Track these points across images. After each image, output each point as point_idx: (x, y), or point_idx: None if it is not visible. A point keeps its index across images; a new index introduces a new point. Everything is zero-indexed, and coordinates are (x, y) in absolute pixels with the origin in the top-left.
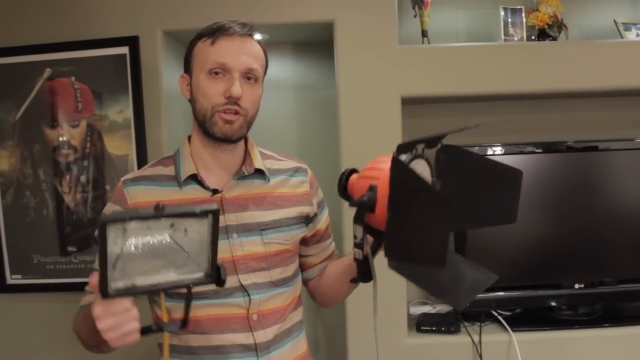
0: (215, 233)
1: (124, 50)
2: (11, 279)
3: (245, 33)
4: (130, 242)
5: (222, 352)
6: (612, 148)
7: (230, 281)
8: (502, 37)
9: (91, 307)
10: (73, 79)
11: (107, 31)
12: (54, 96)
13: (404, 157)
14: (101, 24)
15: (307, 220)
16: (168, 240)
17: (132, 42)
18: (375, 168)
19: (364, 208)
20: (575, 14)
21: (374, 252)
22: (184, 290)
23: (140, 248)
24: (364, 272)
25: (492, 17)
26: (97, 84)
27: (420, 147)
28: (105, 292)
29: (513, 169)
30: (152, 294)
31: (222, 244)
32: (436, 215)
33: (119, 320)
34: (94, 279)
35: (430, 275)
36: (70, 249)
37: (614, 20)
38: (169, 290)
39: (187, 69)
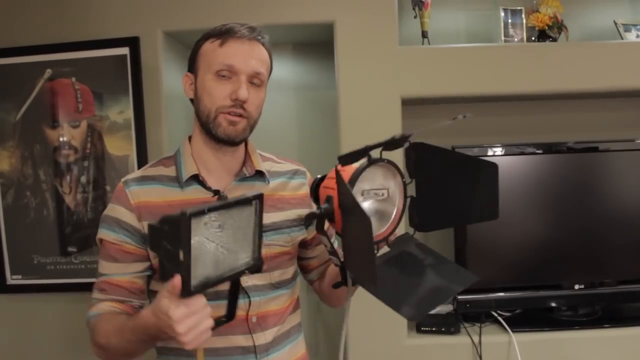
0: (260, 218)
1: (125, 51)
2: (11, 280)
3: (254, 37)
4: (196, 238)
5: (221, 354)
6: (612, 149)
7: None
8: (502, 38)
9: (168, 312)
10: (74, 79)
11: (107, 32)
12: (54, 97)
13: (358, 164)
14: (102, 25)
15: None
16: (220, 233)
17: (133, 42)
18: (332, 178)
19: (322, 219)
20: (575, 15)
21: None
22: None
23: (205, 243)
24: (345, 277)
25: (492, 18)
26: (98, 85)
27: (377, 151)
28: (188, 291)
29: (487, 162)
30: (221, 283)
31: None
32: (361, 231)
33: (198, 319)
34: (176, 281)
35: (385, 290)
36: (70, 249)
37: (614, 21)
38: (233, 279)
39: (192, 68)
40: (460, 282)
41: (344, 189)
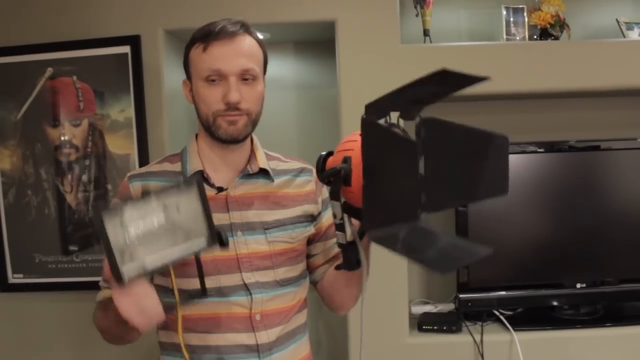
0: (204, 199)
1: (126, 49)
2: (13, 278)
3: (237, 32)
4: (130, 230)
5: (224, 352)
6: (614, 148)
7: (233, 279)
8: (504, 36)
9: (113, 298)
10: (75, 78)
11: (108, 30)
12: (55, 95)
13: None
14: (102, 23)
15: (313, 219)
16: (163, 220)
17: (134, 41)
18: (348, 141)
19: (339, 180)
20: (577, 13)
21: (361, 236)
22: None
23: (141, 233)
24: (349, 258)
25: (494, 16)
26: (99, 83)
27: (395, 116)
28: (119, 279)
29: (497, 134)
30: (163, 270)
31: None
32: (405, 162)
33: (141, 303)
34: (107, 270)
35: (412, 244)
36: (72, 248)
37: (617, 20)
38: (179, 262)
39: (187, 75)
40: (478, 251)
41: (376, 129)
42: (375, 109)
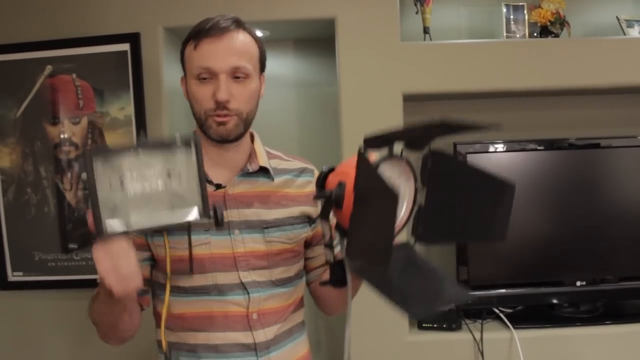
0: (200, 164)
1: (125, 47)
2: (13, 276)
3: (228, 29)
4: (124, 184)
5: (221, 350)
6: (614, 145)
7: (231, 278)
8: (504, 34)
9: (92, 254)
10: (74, 75)
11: (108, 28)
12: (55, 93)
13: (375, 156)
14: (102, 21)
15: (311, 221)
16: (162, 185)
17: (133, 38)
18: (348, 165)
19: (329, 202)
20: (577, 10)
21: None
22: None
23: (138, 193)
24: (336, 276)
25: (494, 14)
26: (98, 81)
27: (399, 147)
28: (100, 232)
29: (506, 182)
30: (147, 232)
31: (223, 240)
32: (384, 209)
33: (119, 262)
34: (89, 218)
35: (389, 281)
36: (71, 246)
37: (617, 17)
38: (167, 229)
39: (184, 72)
40: (458, 297)
41: (368, 166)
42: (375, 142)
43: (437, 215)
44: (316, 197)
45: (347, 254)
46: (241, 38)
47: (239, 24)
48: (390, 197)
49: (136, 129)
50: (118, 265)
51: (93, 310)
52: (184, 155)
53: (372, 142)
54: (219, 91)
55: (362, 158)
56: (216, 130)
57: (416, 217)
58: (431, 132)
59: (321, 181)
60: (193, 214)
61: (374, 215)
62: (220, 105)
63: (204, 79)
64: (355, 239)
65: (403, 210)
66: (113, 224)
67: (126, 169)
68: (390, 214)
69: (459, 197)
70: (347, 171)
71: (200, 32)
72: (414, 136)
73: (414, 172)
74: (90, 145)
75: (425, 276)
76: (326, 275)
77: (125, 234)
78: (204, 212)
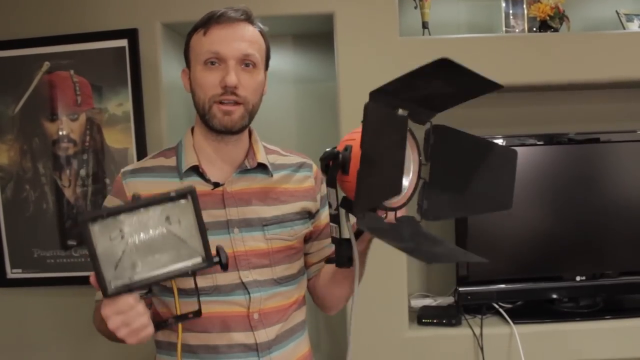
0: (198, 213)
1: (123, 43)
2: (11, 273)
3: (239, 18)
4: (128, 237)
5: (222, 351)
6: (613, 140)
7: (231, 278)
8: (504, 28)
9: (101, 308)
10: (72, 72)
11: (106, 24)
12: (53, 89)
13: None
14: (100, 17)
15: (311, 216)
16: (165, 232)
17: (131, 34)
18: (354, 132)
19: (336, 165)
20: (577, 5)
21: (357, 235)
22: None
23: (139, 241)
24: (341, 255)
25: (493, 8)
26: (96, 77)
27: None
28: (105, 291)
29: (508, 149)
30: (151, 286)
31: (223, 239)
32: (397, 137)
33: (127, 318)
34: (92, 281)
35: (400, 234)
36: (70, 243)
37: (616, 11)
38: (171, 279)
39: (187, 63)
40: (470, 257)
41: (377, 113)
42: (381, 97)
43: (442, 190)
44: (321, 158)
45: (355, 211)
46: (251, 29)
47: (248, 15)
48: (403, 121)
49: (134, 125)
50: (127, 321)
51: (97, 320)
52: (181, 205)
53: (378, 95)
54: (229, 76)
55: (370, 108)
56: (221, 119)
57: (420, 193)
58: (436, 85)
59: (325, 158)
60: (196, 261)
61: (386, 158)
62: (228, 91)
63: (212, 64)
64: (363, 193)
65: (408, 183)
66: (116, 282)
67: (125, 222)
68: (402, 140)
69: (463, 169)
70: (352, 137)
71: (211, 19)
72: (421, 94)
73: (418, 145)
74: (85, 212)
75: (436, 242)
76: (328, 268)
77: (130, 290)
78: (206, 259)
